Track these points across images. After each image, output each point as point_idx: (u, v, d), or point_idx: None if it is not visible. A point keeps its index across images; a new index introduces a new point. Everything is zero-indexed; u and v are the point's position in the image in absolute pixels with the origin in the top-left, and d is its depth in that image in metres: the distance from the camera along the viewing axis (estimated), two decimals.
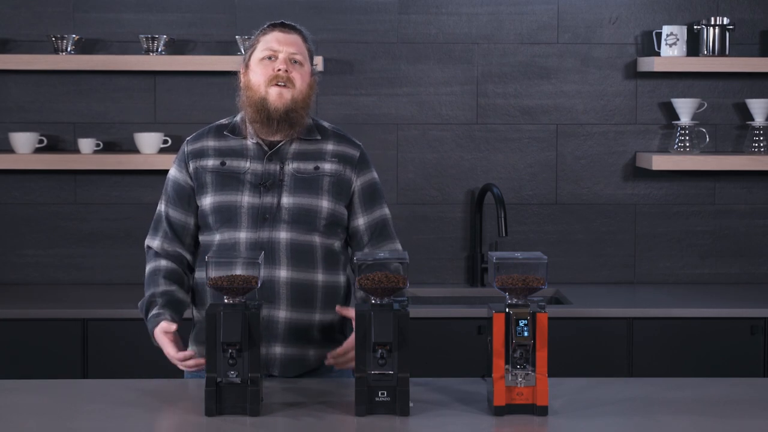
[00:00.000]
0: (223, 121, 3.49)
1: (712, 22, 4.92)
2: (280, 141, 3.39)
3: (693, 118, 4.97)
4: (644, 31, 5.06)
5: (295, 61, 3.37)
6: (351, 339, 3.26)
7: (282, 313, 3.33)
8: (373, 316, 2.95)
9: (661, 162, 4.87)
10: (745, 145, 5.03)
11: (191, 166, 3.42)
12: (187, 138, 3.49)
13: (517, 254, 3.04)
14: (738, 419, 2.96)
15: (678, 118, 5.00)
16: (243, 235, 3.33)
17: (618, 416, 2.98)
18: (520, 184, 5.09)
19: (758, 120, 4.96)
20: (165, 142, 4.93)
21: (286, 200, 3.35)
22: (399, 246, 3.47)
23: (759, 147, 4.97)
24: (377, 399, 2.96)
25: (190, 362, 3.25)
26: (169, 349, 3.27)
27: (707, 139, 4.98)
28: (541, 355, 2.96)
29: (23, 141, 4.86)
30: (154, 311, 3.35)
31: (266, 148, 3.39)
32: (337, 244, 3.42)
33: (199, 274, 3.41)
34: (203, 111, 4.96)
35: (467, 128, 5.07)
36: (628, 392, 3.20)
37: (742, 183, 5.10)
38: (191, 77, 5.02)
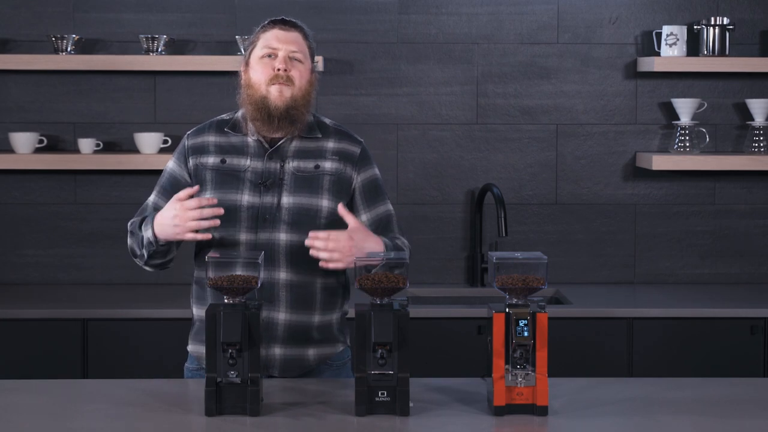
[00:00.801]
0: (224, 116, 3.47)
1: (712, 22, 4.92)
2: (281, 138, 3.39)
3: (693, 118, 4.97)
4: (644, 31, 5.06)
5: (295, 59, 3.35)
6: (351, 228, 3.24)
7: (281, 315, 3.33)
8: (373, 316, 2.95)
9: (661, 162, 4.87)
10: (745, 145, 5.03)
11: (191, 161, 3.41)
12: (188, 132, 3.47)
13: (517, 254, 3.04)
14: (738, 419, 2.96)
15: (678, 118, 5.00)
16: (242, 237, 3.33)
17: (618, 416, 2.98)
18: (520, 184, 5.09)
19: (758, 120, 4.96)
20: (165, 142, 4.94)
21: (286, 200, 3.34)
22: (406, 240, 3.46)
23: (759, 147, 4.97)
24: (377, 399, 2.96)
25: (205, 201, 3.17)
26: (181, 194, 3.19)
27: (707, 139, 4.98)
28: (541, 355, 2.96)
29: (23, 141, 4.86)
30: (150, 216, 3.31)
31: (267, 146, 3.38)
32: None
33: (199, 273, 3.40)
34: (203, 111, 4.96)
35: (467, 128, 5.07)
36: (628, 392, 3.20)
37: (742, 183, 5.10)
38: (191, 77, 5.02)
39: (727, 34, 4.93)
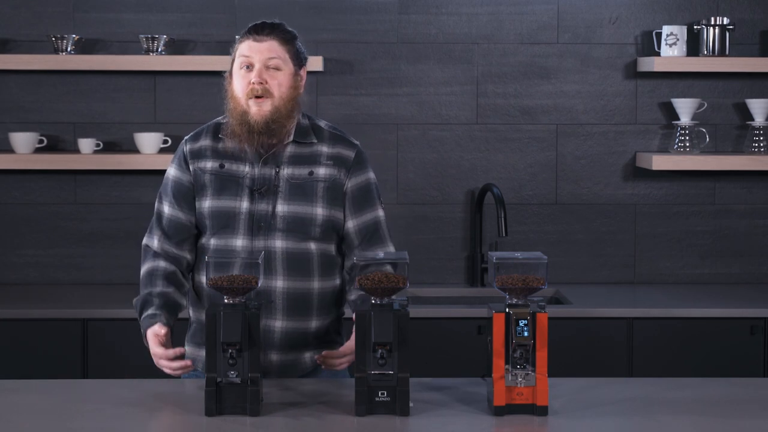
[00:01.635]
0: (221, 119, 3.44)
1: (712, 22, 4.92)
2: (276, 144, 3.36)
3: (693, 118, 4.97)
4: (644, 31, 5.06)
5: (272, 67, 3.30)
6: (347, 345, 3.26)
7: (278, 323, 3.32)
8: (373, 316, 2.95)
9: (661, 162, 4.87)
10: (745, 145, 5.03)
11: (191, 166, 3.39)
12: (186, 137, 3.46)
13: (517, 254, 3.04)
14: (738, 419, 2.96)
15: (678, 118, 5.00)
16: (239, 243, 3.32)
17: (618, 416, 2.98)
18: (520, 184, 5.09)
19: (758, 120, 4.96)
20: (165, 142, 4.94)
21: (281, 208, 3.32)
22: (392, 248, 3.43)
23: (759, 147, 4.97)
24: (377, 399, 2.95)
25: (177, 364, 3.20)
26: (157, 349, 3.23)
27: (707, 139, 4.98)
28: (541, 355, 2.96)
29: (23, 141, 4.86)
30: (150, 311, 3.31)
31: (262, 152, 3.36)
32: (333, 248, 3.39)
33: (197, 276, 3.40)
34: (203, 111, 4.96)
35: (467, 128, 5.07)
36: (628, 392, 3.20)
37: (742, 183, 5.10)
38: (191, 77, 5.02)
39: (727, 34, 4.93)
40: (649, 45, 5.04)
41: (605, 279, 5.12)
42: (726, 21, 4.91)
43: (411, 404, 2.98)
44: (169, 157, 4.71)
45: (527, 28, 5.06)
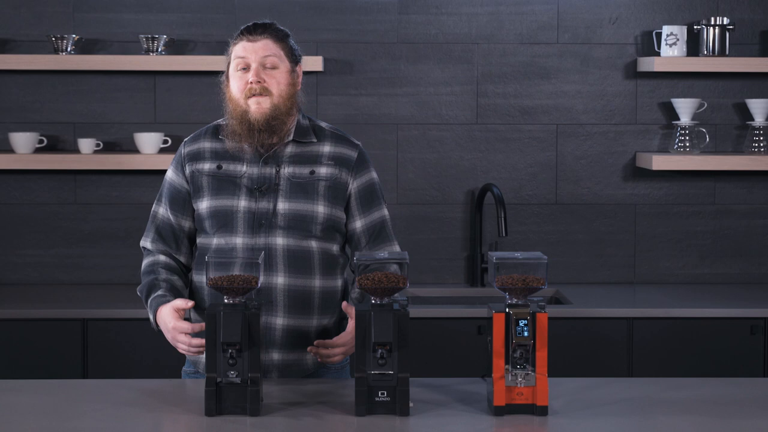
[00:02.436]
0: (220, 121, 3.44)
1: (712, 22, 4.92)
2: (276, 143, 3.37)
3: (693, 118, 4.97)
4: (644, 31, 5.06)
5: (269, 66, 3.31)
6: (341, 336, 3.27)
7: (279, 320, 3.32)
8: (373, 316, 2.95)
9: (661, 162, 4.87)
10: (745, 145, 5.03)
11: (188, 169, 3.40)
12: (185, 139, 3.47)
13: (517, 254, 3.04)
14: (738, 419, 2.96)
15: (678, 118, 5.00)
16: (240, 241, 3.32)
17: (618, 416, 2.98)
18: (520, 184, 5.09)
19: (758, 120, 4.96)
20: (165, 142, 4.94)
21: (282, 206, 3.33)
22: (397, 247, 3.45)
23: (759, 147, 4.97)
24: (377, 399, 2.96)
25: (197, 341, 3.18)
26: (178, 322, 3.20)
27: (707, 139, 4.98)
28: (541, 355, 2.96)
29: (23, 141, 4.86)
30: (159, 293, 3.32)
31: (262, 151, 3.37)
32: (335, 247, 3.40)
33: (198, 277, 3.40)
34: (203, 111, 4.97)
35: (467, 128, 5.07)
36: (628, 392, 3.20)
37: (742, 183, 5.10)
38: (191, 77, 5.02)
39: (727, 34, 4.93)
40: (649, 45, 5.04)
41: (605, 279, 5.12)
42: (726, 21, 4.91)
43: (411, 404, 2.98)
44: (169, 157, 4.72)
45: (527, 28, 5.06)
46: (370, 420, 2.93)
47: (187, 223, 3.41)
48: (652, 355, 4.53)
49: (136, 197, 5.02)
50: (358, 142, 3.46)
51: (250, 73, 3.30)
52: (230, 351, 2.95)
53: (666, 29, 4.93)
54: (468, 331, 4.49)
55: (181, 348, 3.24)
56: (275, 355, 3.33)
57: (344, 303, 3.30)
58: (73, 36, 4.88)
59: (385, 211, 3.45)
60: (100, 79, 5.02)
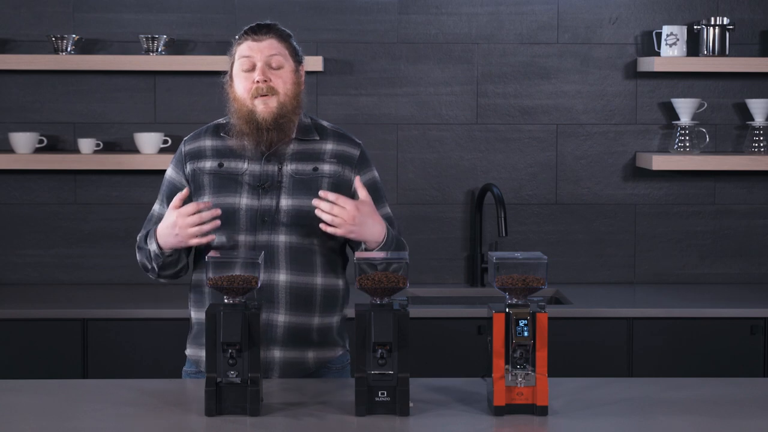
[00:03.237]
0: (221, 120, 3.45)
1: (712, 22, 4.92)
2: (278, 141, 3.37)
3: (693, 118, 4.97)
4: (644, 31, 5.06)
5: (274, 65, 3.31)
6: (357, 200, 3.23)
7: (281, 317, 3.32)
8: (373, 316, 2.95)
9: (661, 162, 4.87)
10: (745, 145, 5.03)
11: (188, 167, 3.40)
12: (185, 138, 3.47)
13: (517, 254, 3.04)
14: (738, 419, 2.96)
15: (678, 118, 5.00)
16: (242, 238, 3.32)
17: (618, 416, 2.98)
18: (520, 184, 5.09)
19: (758, 120, 4.96)
20: (165, 142, 4.94)
21: (285, 202, 3.33)
22: (404, 241, 3.44)
23: (759, 147, 4.97)
24: (377, 399, 2.96)
25: (208, 214, 3.17)
26: (183, 208, 3.18)
27: (707, 139, 4.98)
28: (541, 355, 2.96)
29: (23, 141, 4.86)
30: (154, 228, 3.31)
31: (264, 149, 3.37)
32: (336, 246, 3.41)
33: (197, 276, 3.40)
34: (203, 111, 4.97)
35: (467, 128, 5.07)
36: (628, 392, 3.20)
37: (742, 183, 5.10)
38: (191, 77, 5.02)
39: (727, 34, 4.93)
40: (649, 45, 5.04)
41: (605, 279, 5.12)
42: (726, 21, 4.91)
43: (411, 404, 2.98)
44: (169, 157, 4.71)
45: (527, 28, 5.06)
46: (370, 420, 2.93)
47: None
48: (652, 355, 4.53)
49: (136, 197, 5.02)
50: (360, 141, 3.46)
51: (256, 73, 3.30)
52: (230, 351, 2.95)
53: (666, 29, 4.93)
54: (468, 331, 4.49)
55: (192, 233, 3.19)
56: (276, 353, 3.33)
57: (356, 179, 3.25)
58: (73, 36, 4.88)
59: (389, 209, 3.45)
60: (100, 79, 5.02)
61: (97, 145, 4.96)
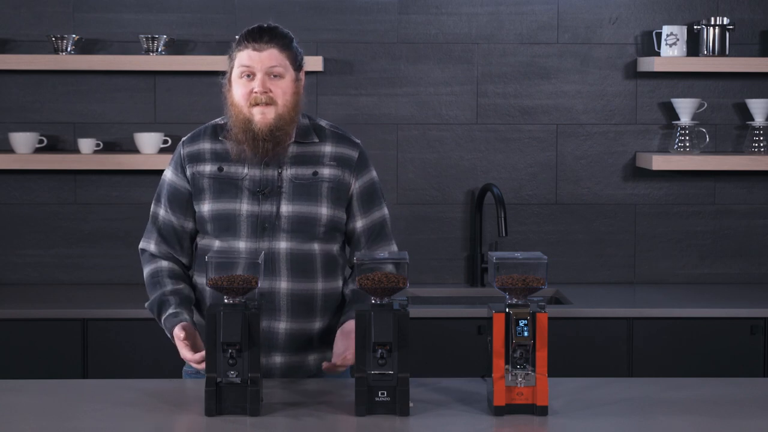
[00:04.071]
0: (219, 121, 3.42)
1: (712, 22, 4.92)
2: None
3: (693, 118, 4.97)
4: (644, 31, 5.06)
5: (274, 75, 3.28)
6: (338, 353, 3.27)
7: (282, 325, 3.31)
8: (373, 316, 2.95)
9: (661, 162, 4.87)
10: (745, 145, 5.03)
11: (188, 170, 3.38)
12: (183, 139, 3.43)
13: (517, 254, 3.04)
14: (738, 419, 2.96)
15: (678, 118, 5.00)
16: (243, 245, 3.31)
17: (618, 416, 2.98)
18: (520, 184, 5.09)
19: (758, 120, 4.96)
20: (165, 142, 4.94)
21: (285, 208, 3.32)
22: (395, 247, 3.44)
23: (759, 147, 4.97)
24: (377, 399, 2.96)
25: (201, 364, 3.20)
26: (186, 353, 3.21)
27: (707, 139, 4.98)
28: (541, 355, 2.96)
29: (23, 141, 4.86)
30: (171, 310, 3.30)
31: (263, 153, 3.34)
32: (336, 248, 3.40)
33: (198, 278, 3.39)
34: (203, 111, 4.97)
35: (467, 128, 5.07)
36: (628, 392, 3.20)
37: (742, 183, 5.10)
38: (191, 77, 5.02)
39: (727, 34, 4.93)
40: (649, 45, 5.04)
41: (605, 279, 5.12)
42: (726, 21, 4.91)
43: (411, 404, 2.98)
44: (169, 157, 4.71)
45: (527, 28, 5.06)
46: (370, 420, 2.93)
47: (189, 225, 3.39)
48: (652, 355, 4.53)
49: (136, 197, 5.02)
50: (358, 141, 3.45)
51: (256, 83, 3.27)
52: (230, 351, 2.94)
53: (666, 29, 4.93)
54: (468, 331, 4.49)
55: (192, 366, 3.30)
56: (278, 358, 3.32)
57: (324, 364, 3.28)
58: (73, 36, 4.88)
59: (386, 211, 3.44)
60: (100, 79, 5.02)
61: (97, 145, 4.96)
